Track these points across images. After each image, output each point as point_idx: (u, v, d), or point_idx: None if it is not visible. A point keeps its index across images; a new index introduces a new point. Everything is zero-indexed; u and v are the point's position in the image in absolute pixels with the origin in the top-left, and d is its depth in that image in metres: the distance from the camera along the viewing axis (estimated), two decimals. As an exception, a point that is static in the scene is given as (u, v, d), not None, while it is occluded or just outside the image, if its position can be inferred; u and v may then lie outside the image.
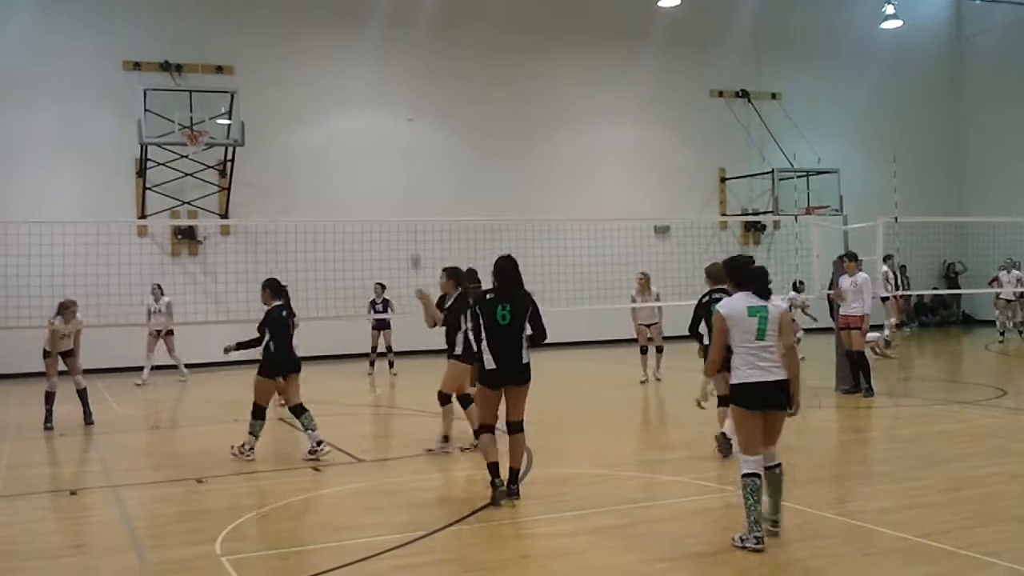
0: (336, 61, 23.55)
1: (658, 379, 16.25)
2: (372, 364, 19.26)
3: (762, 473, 6.45)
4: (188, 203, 21.82)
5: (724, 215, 26.41)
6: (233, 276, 17.97)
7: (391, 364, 19.07)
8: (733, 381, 6.54)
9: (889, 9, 26.18)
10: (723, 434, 9.70)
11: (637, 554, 6.43)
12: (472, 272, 11.93)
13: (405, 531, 7.06)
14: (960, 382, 17.12)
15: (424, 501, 8.27)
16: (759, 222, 26.09)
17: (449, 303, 10.41)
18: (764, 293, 6.57)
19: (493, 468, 7.84)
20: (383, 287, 18.55)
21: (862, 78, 28.13)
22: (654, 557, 6.35)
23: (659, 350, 16.41)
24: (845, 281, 14.16)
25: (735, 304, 6.58)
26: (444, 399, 10.39)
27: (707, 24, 26.39)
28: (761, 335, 6.46)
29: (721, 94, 27.14)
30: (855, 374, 14.07)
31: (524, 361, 7.87)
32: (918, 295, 26.93)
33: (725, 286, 9.72)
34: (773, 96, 27.42)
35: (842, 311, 14.20)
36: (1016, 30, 27.90)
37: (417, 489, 8.81)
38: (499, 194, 23.68)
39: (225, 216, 21.83)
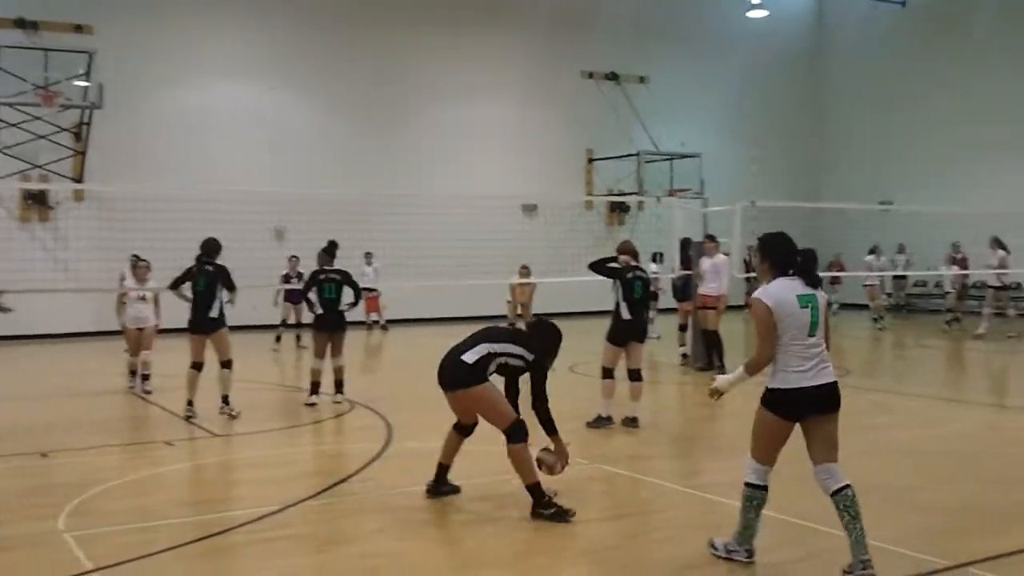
0: (202, 27, 22.83)
1: None
2: (278, 339, 18.70)
3: (768, 485, 5.57)
4: (40, 167, 20.87)
5: (590, 195, 26.78)
6: (85, 243, 17.31)
7: (298, 339, 18.66)
8: (773, 385, 5.48)
9: (755, -1, 26.95)
10: (629, 418, 9.94)
11: (493, 527, 6.49)
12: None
13: (260, 505, 6.95)
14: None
15: (282, 476, 8.16)
16: (624, 203, 26.56)
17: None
18: (814, 280, 5.50)
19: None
20: (297, 259, 18.15)
21: (728, 65, 28.91)
22: (508, 529, 6.43)
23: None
24: (705, 262, 14.57)
25: (781, 293, 5.38)
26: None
27: (581, 6, 26.62)
28: (813, 330, 5.38)
29: (591, 76, 27.46)
30: (709, 352, 14.51)
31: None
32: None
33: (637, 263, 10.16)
34: (641, 80, 27.88)
35: (700, 291, 14.62)
36: (874, 24, 29.05)
37: (275, 464, 8.68)
38: (370, 168, 23.43)
39: (79, 181, 20.98)
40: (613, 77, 27.60)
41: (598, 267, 10.22)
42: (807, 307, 5.36)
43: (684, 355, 15.31)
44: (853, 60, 30.02)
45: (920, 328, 22.76)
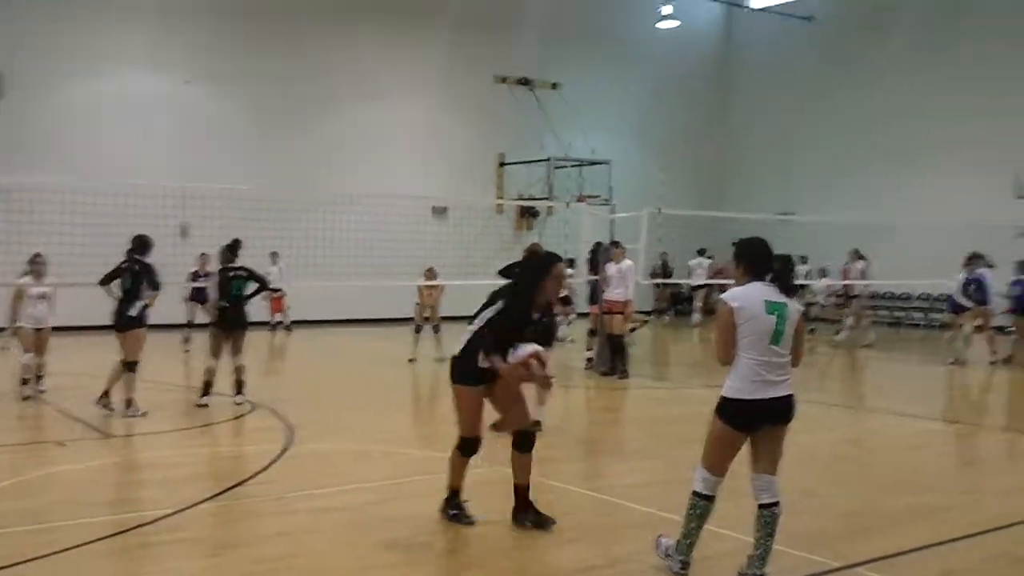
0: (113, 17, 22.18)
1: (442, 360, 16.24)
2: (187, 340, 18.14)
3: (715, 496, 5.46)
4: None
5: (501, 199, 26.84)
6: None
7: (186, 340, 18.20)
8: (727, 394, 5.36)
9: (666, 9, 27.28)
10: (533, 421, 9.90)
11: (393, 530, 6.44)
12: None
13: (154, 508, 6.79)
14: (711, 365, 18.13)
15: (178, 478, 7.98)
16: (534, 208, 26.68)
17: None
18: (789, 287, 5.37)
19: None
20: (207, 256, 17.72)
21: (638, 75, 29.28)
22: (409, 532, 6.39)
23: (436, 329, 16.48)
24: (611, 267, 14.72)
25: (749, 295, 5.28)
26: None
27: (496, 10, 26.66)
28: (777, 339, 5.24)
29: (504, 80, 27.50)
30: (613, 357, 14.66)
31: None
32: (675, 284, 28.38)
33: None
34: (554, 86, 28.02)
35: (605, 296, 14.75)
36: (781, 38, 29.72)
37: (171, 465, 8.49)
38: (281, 166, 23.08)
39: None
40: (526, 82, 27.70)
41: (507, 273, 10.17)
42: (773, 315, 5.22)
43: (589, 359, 15.43)
44: (760, 72, 30.69)
45: (812, 337, 23.41)
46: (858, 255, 20.92)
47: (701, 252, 26.25)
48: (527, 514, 6.53)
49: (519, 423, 6.62)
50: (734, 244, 5.56)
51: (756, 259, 5.41)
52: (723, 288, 6.35)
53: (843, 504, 7.36)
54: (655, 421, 11.39)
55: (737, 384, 5.29)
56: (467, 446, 6.55)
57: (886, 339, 21.69)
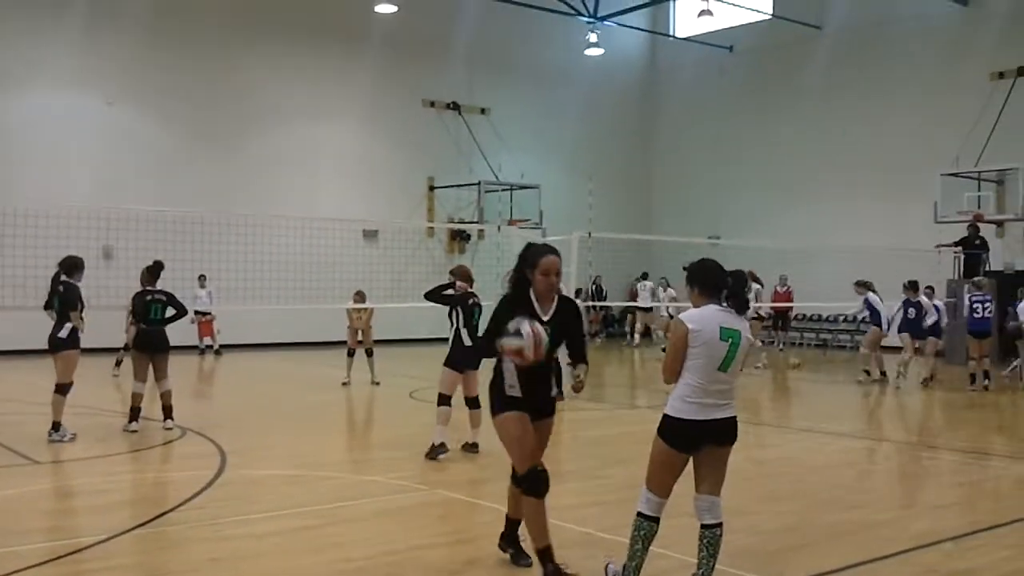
0: (33, 36, 21.72)
1: (376, 383, 16.14)
2: (118, 363, 17.50)
3: (660, 517, 5.41)
4: None
5: (431, 223, 26.84)
6: None
7: (118, 363, 17.72)
8: (670, 412, 5.29)
9: (592, 37, 27.63)
10: (470, 444, 9.94)
11: (328, 554, 6.37)
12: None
13: (86, 535, 6.62)
14: (643, 387, 18.34)
15: (106, 505, 7.79)
16: (464, 231, 26.73)
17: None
18: (743, 308, 5.32)
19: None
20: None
21: (567, 100, 29.59)
22: (344, 557, 6.32)
23: (369, 353, 16.36)
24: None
25: (706, 319, 5.22)
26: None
27: (423, 35, 26.73)
28: (726, 366, 5.22)
29: (433, 104, 27.59)
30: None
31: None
32: (605, 307, 28.62)
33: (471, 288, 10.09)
34: (483, 111, 28.20)
35: (539, 319, 14.79)
36: (704, 67, 30.32)
37: (99, 492, 8.28)
38: (208, 188, 22.77)
39: None
40: (455, 107, 27.82)
41: (434, 296, 10.17)
42: (727, 341, 5.18)
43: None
44: (686, 100, 31.24)
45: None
46: (753, 278, 21.28)
47: (644, 276, 26.59)
48: (510, 544, 6.29)
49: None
50: (685, 268, 5.52)
51: (709, 280, 5.35)
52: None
53: (776, 521, 7.47)
54: (590, 442, 11.44)
55: (679, 404, 5.25)
56: (530, 481, 5.71)
57: (813, 360, 22.10)
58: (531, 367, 5.53)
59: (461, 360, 9.74)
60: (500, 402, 5.76)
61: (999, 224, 23.78)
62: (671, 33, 31.59)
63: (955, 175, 23.51)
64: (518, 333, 5.39)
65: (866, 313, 18.10)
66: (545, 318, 5.66)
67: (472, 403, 9.93)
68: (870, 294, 17.92)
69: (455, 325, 9.82)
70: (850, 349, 24.62)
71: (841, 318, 26.32)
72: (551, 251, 5.73)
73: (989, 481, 9.85)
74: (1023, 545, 7.02)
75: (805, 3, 27.22)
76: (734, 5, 27.84)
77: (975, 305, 16.77)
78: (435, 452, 9.52)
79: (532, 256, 5.72)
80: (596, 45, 27.82)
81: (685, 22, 30.91)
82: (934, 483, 9.55)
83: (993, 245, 23.33)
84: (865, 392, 16.62)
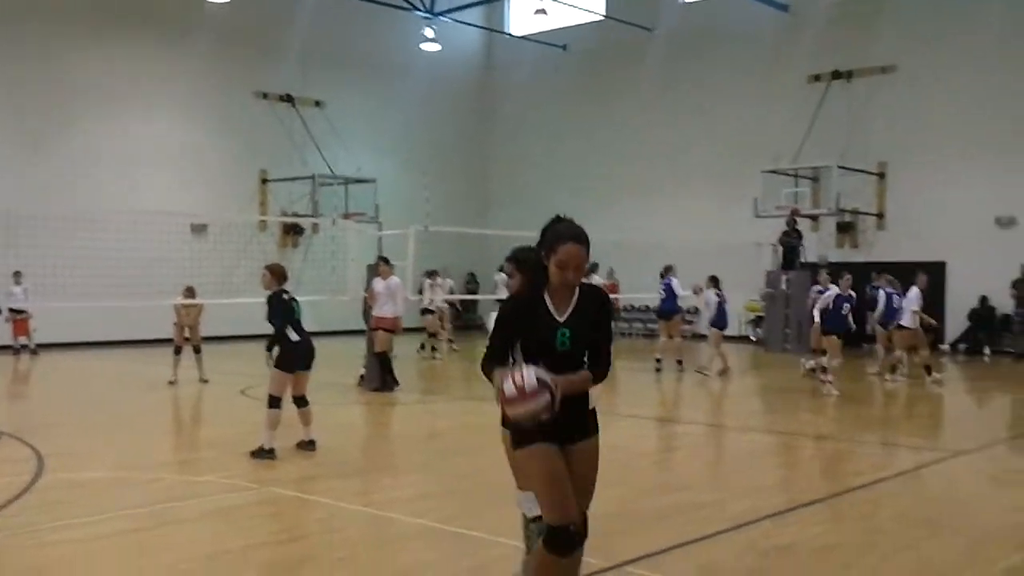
0: None
1: (205, 381, 15.67)
2: None
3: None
4: None
5: (264, 216, 26.27)
6: None
7: None
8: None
9: (429, 32, 27.61)
10: (305, 441, 9.68)
11: (161, 557, 6.17)
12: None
13: None
14: (478, 379, 18.45)
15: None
16: (298, 225, 26.29)
17: None
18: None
19: None
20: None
21: (403, 94, 29.49)
22: (177, 559, 6.13)
23: (197, 350, 15.89)
24: (378, 284, 14.70)
25: None
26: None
27: (256, 25, 26.11)
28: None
29: (266, 96, 27.00)
30: (383, 374, 14.65)
31: None
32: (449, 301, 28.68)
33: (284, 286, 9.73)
34: (317, 104, 27.79)
35: (374, 312, 14.73)
36: (539, 65, 30.73)
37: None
38: (25, 182, 21.60)
39: None
40: (288, 99, 27.31)
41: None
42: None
43: (361, 376, 15.35)
44: (522, 96, 31.59)
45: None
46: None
47: (500, 269, 26.49)
48: None
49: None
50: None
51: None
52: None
53: (606, 506, 7.59)
54: (427, 435, 11.47)
55: None
56: (556, 542, 4.33)
57: (640, 349, 22.73)
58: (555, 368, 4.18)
59: (291, 360, 9.46)
60: (519, 429, 4.37)
61: (814, 218, 25.08)
62: (507, 31, 31.91)
63: (775, 172, 24.67)
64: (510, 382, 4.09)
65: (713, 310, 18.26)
66: (561, 319, 4.35)
67: (300, 402, 9.71)
68: (710, 291, 18.29)
69: (279, 325, 9.48)
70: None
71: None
72: (575, 236, 4.33)
73: (803, 461, 10.40)
74: (835, 520, 7.44)
75: (637, 5, 27.95)
76: (568, 5, 28.33)
77: (892, 297, 16.74)
78: (262, 455, 9.25)
79: (551, 238, 4.34)
80: (433, 40, 27.83)
81: (520, 20, 31.31)
82: (753, 464, 10.00)
83: (808, 238, 24.58)
84: (690, 381, 17.22)
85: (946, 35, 23.44)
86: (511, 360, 4.37)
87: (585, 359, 4.38)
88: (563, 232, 4.34)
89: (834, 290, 14.88)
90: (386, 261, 14.90)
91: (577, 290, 4.41)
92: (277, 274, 9.71)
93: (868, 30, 24.68)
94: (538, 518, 4.91)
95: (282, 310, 9.48)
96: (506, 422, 5.12)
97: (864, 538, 6.81)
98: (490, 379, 4.29)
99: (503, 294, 25.86)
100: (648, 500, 7.91)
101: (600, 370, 4.41)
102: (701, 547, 6.49)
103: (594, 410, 4.56)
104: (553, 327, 4.35)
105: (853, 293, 15.32)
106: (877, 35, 24.58)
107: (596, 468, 4.58)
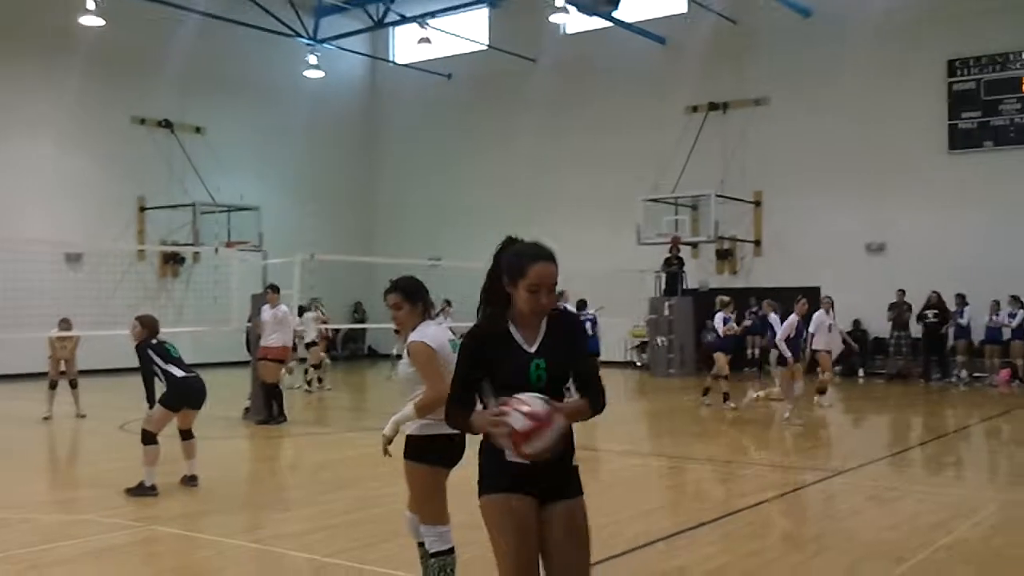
0: None
1: (82, 416, 15.08)
2: None
3: (454, 545, 5.14)
4: None
5: (142, 246, 25.53)
6: None
7: None
8: (425, 432, 5.05)
9: (312, 59, 27.40)
10: (187, 476, 9.42)
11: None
12: None
13: None
14: (367, 410, 18.28)
15: None
16: (178, 254, 25.65)
17: None
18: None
19: None
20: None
21: (287, 121, 29.14)
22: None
23: (73, 384, 15.30)
24: (266, 312, 14.43)
25: (439, 337, 5.17)
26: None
27: (134, 49, 25.44)
28: None
29: (144, 122, 26.34)
30: (269, 405, 14.35)
31: None
32: (335, 329, 28.31)
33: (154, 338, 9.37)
34: (197, 130, 27.23)
35: (262, 342, 14.43)
36: (423, 93, 30.80)
37: None
38: None
39: None
40: (167, 125, 26.69)
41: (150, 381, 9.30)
42: (455, 353, 4.79)
43: (246, 408, 15.01)
44: (408, 124, 31.59)
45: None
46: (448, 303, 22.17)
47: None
48: None
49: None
50: (396, 284, 5.38)
51: (424, 297, 5.33)
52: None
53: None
54: (315, 467, 11.26)
55: (430, 422, 5.01)
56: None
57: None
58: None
59: (177, 397, 9.14)
60: (489, 473, 3.80)
61: (695, 245, 25.71)
62: (391, 59, 31.90)
63: (656, 200, 25.20)
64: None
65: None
66: (531, 349, 3.78)
67: (186, 435, 9.46)
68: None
69: (158, 368, 9.15)
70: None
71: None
72: (546, 256, 3.77)
73: (691, 484, 10.59)
74: (724, 541, 7.58)
75: (520, 36, 28.31)
76: (452, 35, 28.50)
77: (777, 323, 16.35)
78: (143, 492, 8.93)
79: (516, 261, 3.75)
80: (316, 67, 27.62)
81: (405, 48, 31.35)
82: (644, 488, 10.12)
83: (689, 264, 25.17)
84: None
85: (815, 70, 24.41)
86: (479, 403, 3.79)
87: (567, 394, 3.83)
88: (530, 252, 3.74)
89: (794, 317, 14.64)
90: (275, 289, 14.63)
91: (545, 317, 3.82)
92: (148, 327, 9.34)
93: (741, 63, 25.53)
94: (437, 553, 4.92)
95: (151, 361, 9.14)
96: (411, 454, 5.10)
97: (753, 559, 6.96)
98: (464, 427, 3.75)
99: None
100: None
101: (597, 400, 3.82)
102: (597, 572, 6.51)
103: (577, 466, 3.90)
104: (525, 360, 3.72)
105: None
106: (750, 68, 25.45)
107: (587, 538, 3.81)
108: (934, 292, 21.95)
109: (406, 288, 5.33)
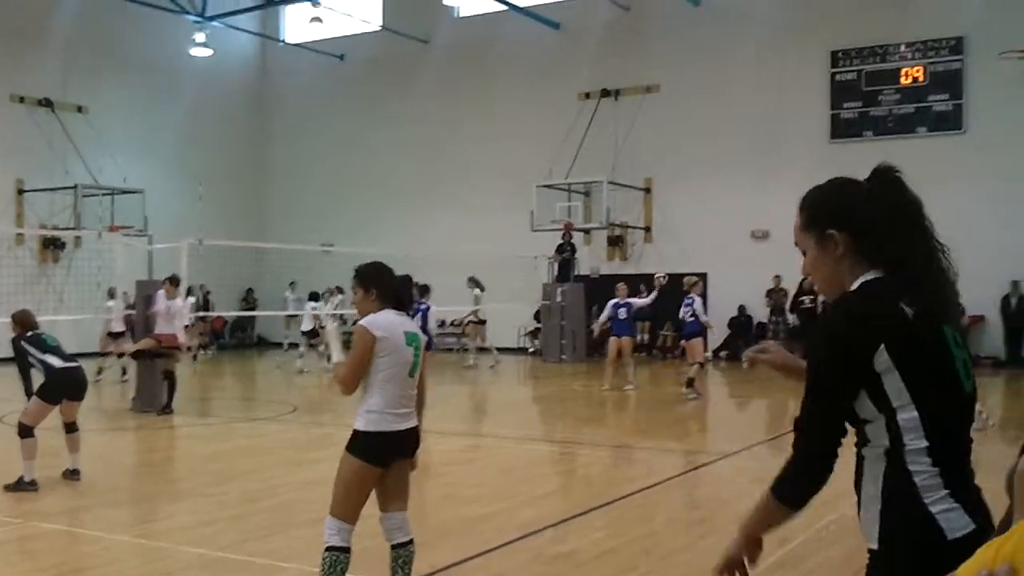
0: None
1: None
2: None
3: (351, 546, 5.01)
4: None
5: (20, 229, 24.58)
6: None
7: None
8: (365, 427, 4.96)
9: (200, 37, 26.71)
10: (70, 470, 9.08)
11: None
12: None
13: None
14: (256, 399, 18.01)
15: None
16: (59, 239, 24.79)
17: None
18: (406, 307, 5.29)
19: None
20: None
21: (173, 101, 28.32)
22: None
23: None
24: (161, 302, 14.02)
25: (390, 326, 5.00)
26: None
27: (11, 23, 24.42)
28: (414, 371, 5.08)
29: (23, 100, 25.32)
30: (171, 393, 14.11)
31: None
32: (218, 316, 27.80)
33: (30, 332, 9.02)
34: (80, 109, 26.30)
35: (157, 330, 14.07)
36: (316, 75, 30.38)
37: None
38: None
39: None
40: (47, 104, 25.71)
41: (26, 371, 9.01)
42: (411, 346, 5.03)
43: (134, 398, 14.65)
44: (300, 106, 31.10)
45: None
46: (476, 283, 21.98)
47: (314, 296, 22.72)
48: None
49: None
50: (357, 270, 5.24)
51: (388, 285, 5.19)
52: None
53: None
54: (203, 458, 11.05)
55: (375, 416, 4.96)
56: None
57: (440, 363, 22.78)
58: None
59: (55, 389, 8.83)
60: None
61: (587, 232, 25.99)
62: (281, 38, 31.33)
63: (549, 187, 25.36)
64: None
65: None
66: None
67: (70, 427, 9.18)
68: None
69: (35, 359, 8.81)
70: (457, 351, 25.65)
71: (449, 322, 27.30)
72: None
73: (580, 469, 10.75)
74: (614, 525, 7.73)
75: (413, 17, 28.11)
76: (344, 15, 28.13)
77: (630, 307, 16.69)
78: (22, 487, 8.64)
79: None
80: (204, 45, 26.94)
81: (296, 28, 30.81)
82: (538, 473, 10.24)
83: (581, 251, 25.44)
84: (466, 391, 17.44)
85: (704, 58, 24.88)
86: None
87: None
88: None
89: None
90: (174, 282, 14.21)
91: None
92: (21, 323, 9.04)
93: (633, 50, 25.83)
94: (331, 548, 4.93)
95: (26, 354, 8.84)
96: (349, 445, 4.99)
97: (642, 542, 7.11)
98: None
99: (293, 310, 24.77)
100: (435, 514, 7.94)
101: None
102: (488, 559, 6.59)
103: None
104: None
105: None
106: (641, 55, 25.77)
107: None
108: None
109: (361, 274, 5.23)
